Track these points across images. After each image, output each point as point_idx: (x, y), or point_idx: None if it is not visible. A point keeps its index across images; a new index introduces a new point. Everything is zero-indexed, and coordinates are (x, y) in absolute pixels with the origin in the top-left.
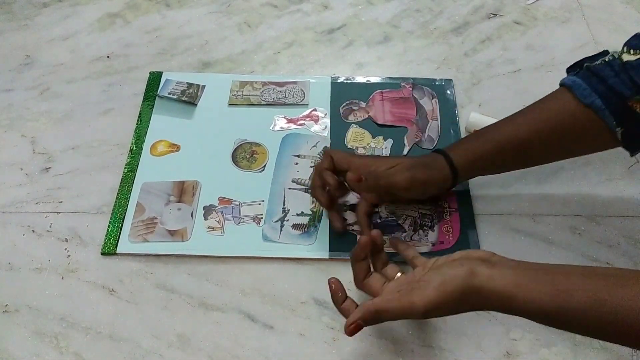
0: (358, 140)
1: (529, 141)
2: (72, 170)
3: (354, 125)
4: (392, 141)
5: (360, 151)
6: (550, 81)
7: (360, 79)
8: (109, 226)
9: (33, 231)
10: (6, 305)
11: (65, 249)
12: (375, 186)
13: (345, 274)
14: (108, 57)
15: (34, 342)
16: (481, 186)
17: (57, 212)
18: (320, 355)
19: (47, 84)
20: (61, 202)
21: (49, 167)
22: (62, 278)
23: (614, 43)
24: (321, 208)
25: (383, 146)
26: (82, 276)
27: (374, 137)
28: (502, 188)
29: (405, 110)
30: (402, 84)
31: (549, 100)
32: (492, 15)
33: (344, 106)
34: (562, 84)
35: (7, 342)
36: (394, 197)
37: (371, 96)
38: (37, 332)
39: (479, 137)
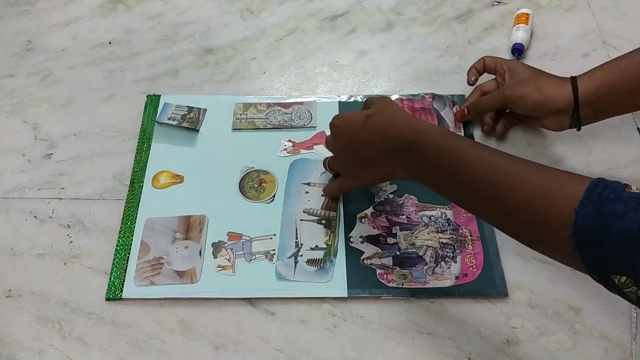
0: None
1: None
2: (74, 156)
3: None
4: None
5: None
6: (554, 69)
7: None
8: (112, 268)
9: (35, 217)
10: (9, 290)
11: (68, 235)
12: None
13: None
14: (110, 43)
15: (37, 326)
16: None
17: (60, 198)
18: (321, 342)
19: (48, 70)
20: (63, 188)
21: (51, 153)
22: (65, 264)
23: (619, 32)
24: (336, 241)
25: None
26: (84, 262)
27: None
28: None
29: (426, 120)
30: (421, 93)
31: None
32: (496, 3)
33: None
34: None
35: (11, 327)
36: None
37: None
38: (40, 317)
39: (605, 67)
